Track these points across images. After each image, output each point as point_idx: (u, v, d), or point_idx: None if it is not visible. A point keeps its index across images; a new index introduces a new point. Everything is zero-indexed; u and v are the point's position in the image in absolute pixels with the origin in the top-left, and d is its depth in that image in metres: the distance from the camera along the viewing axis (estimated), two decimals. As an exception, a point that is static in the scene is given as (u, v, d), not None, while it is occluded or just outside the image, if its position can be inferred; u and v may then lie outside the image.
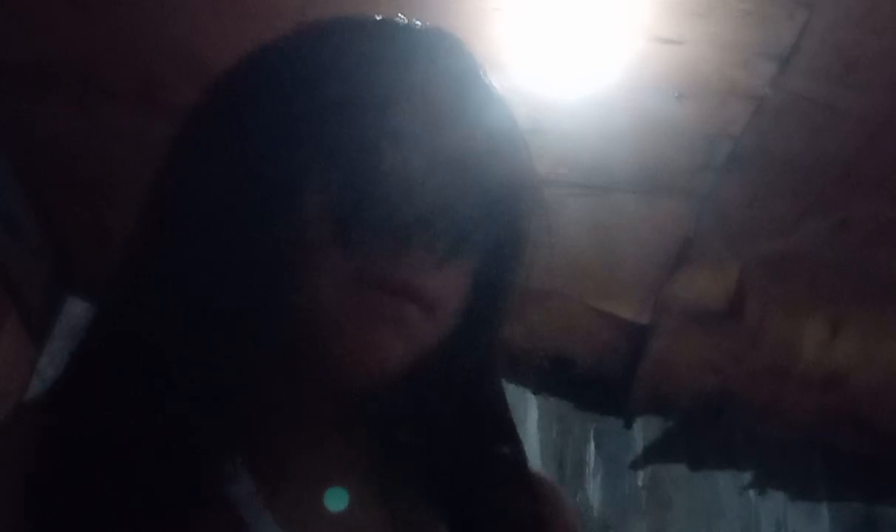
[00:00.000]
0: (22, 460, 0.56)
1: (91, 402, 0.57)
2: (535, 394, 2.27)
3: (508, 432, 0.67)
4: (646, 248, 1.97)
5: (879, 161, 1.74)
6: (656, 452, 2.31)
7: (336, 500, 0.58)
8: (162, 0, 1.57)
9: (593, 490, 2.22)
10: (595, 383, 2.24)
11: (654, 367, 2.17)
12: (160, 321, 0.57)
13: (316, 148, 0.57)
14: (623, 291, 2.07)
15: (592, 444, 2.28)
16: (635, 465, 2.30)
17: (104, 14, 1.59)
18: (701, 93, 1.64)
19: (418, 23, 0.65)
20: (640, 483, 2.28)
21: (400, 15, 0.65)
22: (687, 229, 1.91)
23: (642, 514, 2.25)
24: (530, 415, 2.25)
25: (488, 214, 0.59)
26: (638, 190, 1.85)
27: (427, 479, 0.63)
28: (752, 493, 2.31)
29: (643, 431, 2.33)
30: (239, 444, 0.58)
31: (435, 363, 0.60)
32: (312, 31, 0.64)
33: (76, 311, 2.14)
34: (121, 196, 1.94)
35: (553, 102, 1.65)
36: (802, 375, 2.14)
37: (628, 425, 2.33)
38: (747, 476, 2.32)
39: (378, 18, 0.64)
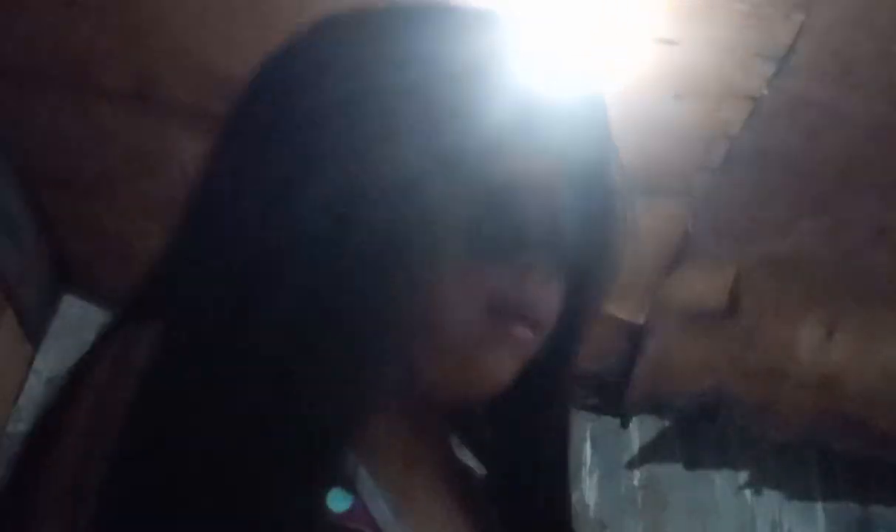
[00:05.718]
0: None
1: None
2: (531, 393, 2.26)
3: (559, 483, 0.64)
4: (643, 249, 1.97)
5: (876, 163, 1.74)
6: (652, 452, 2.31)
7: (339, 502, 0.57)
8: (158, 0, 1.57)
9: (590, 489, 2.22)
10: (591, 383, 2.24)
11: (650, 367, 2.17)
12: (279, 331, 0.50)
13: (320, 148, 0.55)
14: (619, 291, 2.06)
15: (589, 444, 2.28)
16: (632, 465, 2.30)
17: (100, 14, 1.59)
18: (698, 93, 1.64)
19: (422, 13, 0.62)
20: (636, 483, 2.28)
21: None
22: (684, 230, 1.91)
23: (638, 513, 2.25)
24: (527, 414, 2.24)
25: (583, 230, 0.58)
26: (634, 190, 1.84)
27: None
28: (747, 492, 2.31)
29: (639, 431, 2.33)
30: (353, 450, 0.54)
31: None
32: (313, 29, 0.61)
33: (72, 309, 2.14)
34: (117, 195, 1.94)
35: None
36: (798, 376, 2.14)
37: (625, 425, 2.33)
38: (743, 476, 2.32)
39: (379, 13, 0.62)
